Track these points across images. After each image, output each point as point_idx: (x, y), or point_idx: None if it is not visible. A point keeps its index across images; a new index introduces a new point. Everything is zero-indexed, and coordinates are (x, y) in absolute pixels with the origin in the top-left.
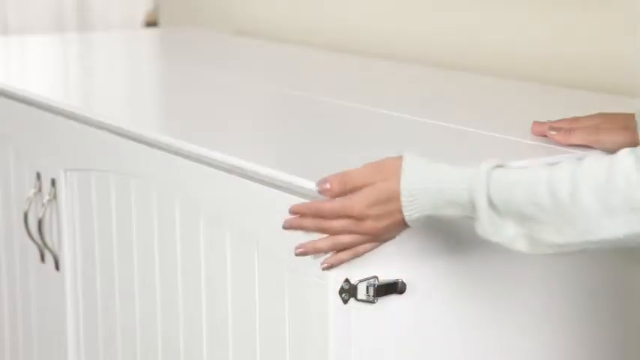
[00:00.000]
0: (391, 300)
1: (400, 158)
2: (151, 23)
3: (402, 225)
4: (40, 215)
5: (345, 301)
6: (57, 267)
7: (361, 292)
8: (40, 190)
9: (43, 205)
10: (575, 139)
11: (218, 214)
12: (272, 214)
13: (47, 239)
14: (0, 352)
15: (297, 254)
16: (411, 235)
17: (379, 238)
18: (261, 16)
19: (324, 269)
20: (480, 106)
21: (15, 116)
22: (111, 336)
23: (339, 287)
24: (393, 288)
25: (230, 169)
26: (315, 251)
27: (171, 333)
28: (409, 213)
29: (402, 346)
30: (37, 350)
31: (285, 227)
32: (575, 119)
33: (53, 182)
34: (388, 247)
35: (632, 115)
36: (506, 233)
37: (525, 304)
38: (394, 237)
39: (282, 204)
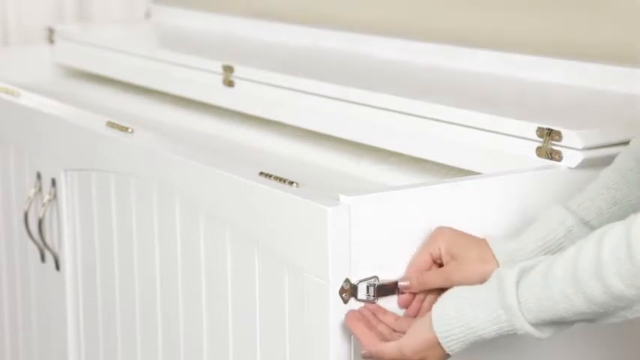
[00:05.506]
0: (391, 300)
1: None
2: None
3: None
4: (40, 215)
5: (345, 301)
6: (57, 267)
7: (361, 292)
8: (40, 190)
9: (43, 205)
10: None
11: (218, 214)
12: (272, 214)
13: (47, 239)
14: (0, 352)
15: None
16: (411, 235)
17: None
18: None
19: None
20: None
21: (15, 116)
22: (111, 336)
23: (339, 287)
24: (393, 288)
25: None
26: None
27: (172, 333)
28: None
29: None
30: (37, 350)
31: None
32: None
33: (53, 182)
34: (388, 247)
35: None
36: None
37: None
38: None
39: (283, 204)
